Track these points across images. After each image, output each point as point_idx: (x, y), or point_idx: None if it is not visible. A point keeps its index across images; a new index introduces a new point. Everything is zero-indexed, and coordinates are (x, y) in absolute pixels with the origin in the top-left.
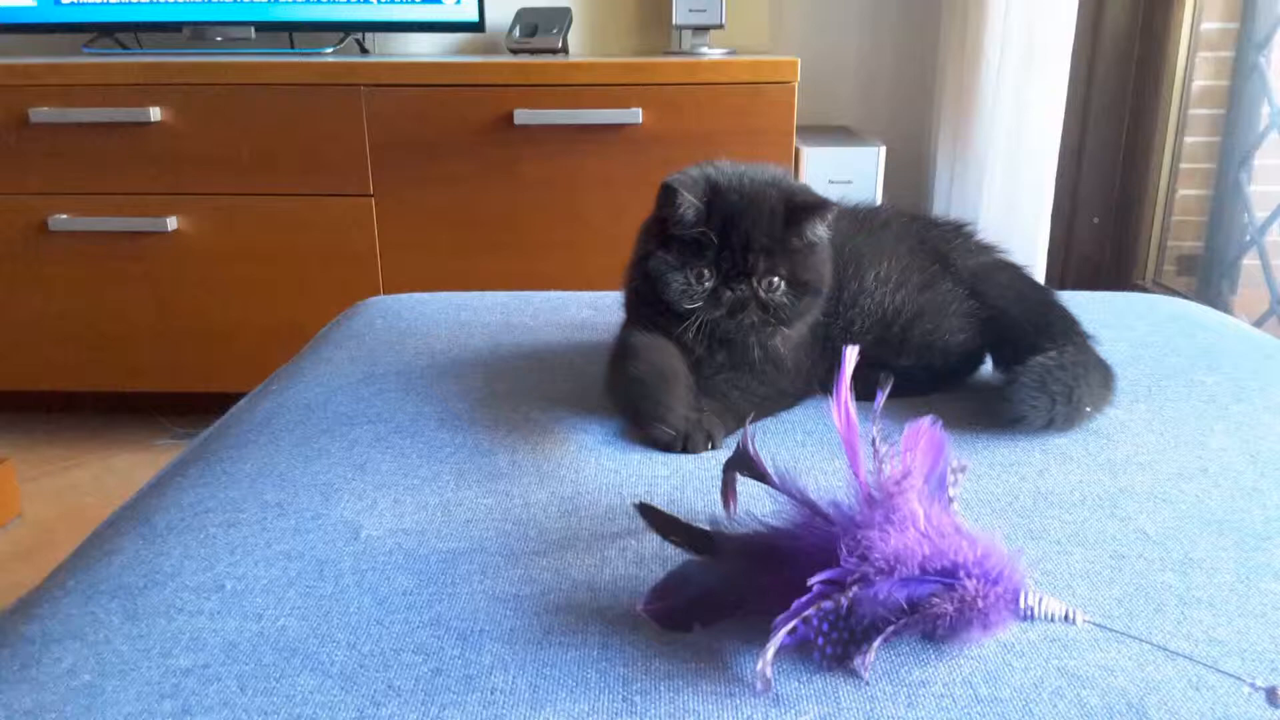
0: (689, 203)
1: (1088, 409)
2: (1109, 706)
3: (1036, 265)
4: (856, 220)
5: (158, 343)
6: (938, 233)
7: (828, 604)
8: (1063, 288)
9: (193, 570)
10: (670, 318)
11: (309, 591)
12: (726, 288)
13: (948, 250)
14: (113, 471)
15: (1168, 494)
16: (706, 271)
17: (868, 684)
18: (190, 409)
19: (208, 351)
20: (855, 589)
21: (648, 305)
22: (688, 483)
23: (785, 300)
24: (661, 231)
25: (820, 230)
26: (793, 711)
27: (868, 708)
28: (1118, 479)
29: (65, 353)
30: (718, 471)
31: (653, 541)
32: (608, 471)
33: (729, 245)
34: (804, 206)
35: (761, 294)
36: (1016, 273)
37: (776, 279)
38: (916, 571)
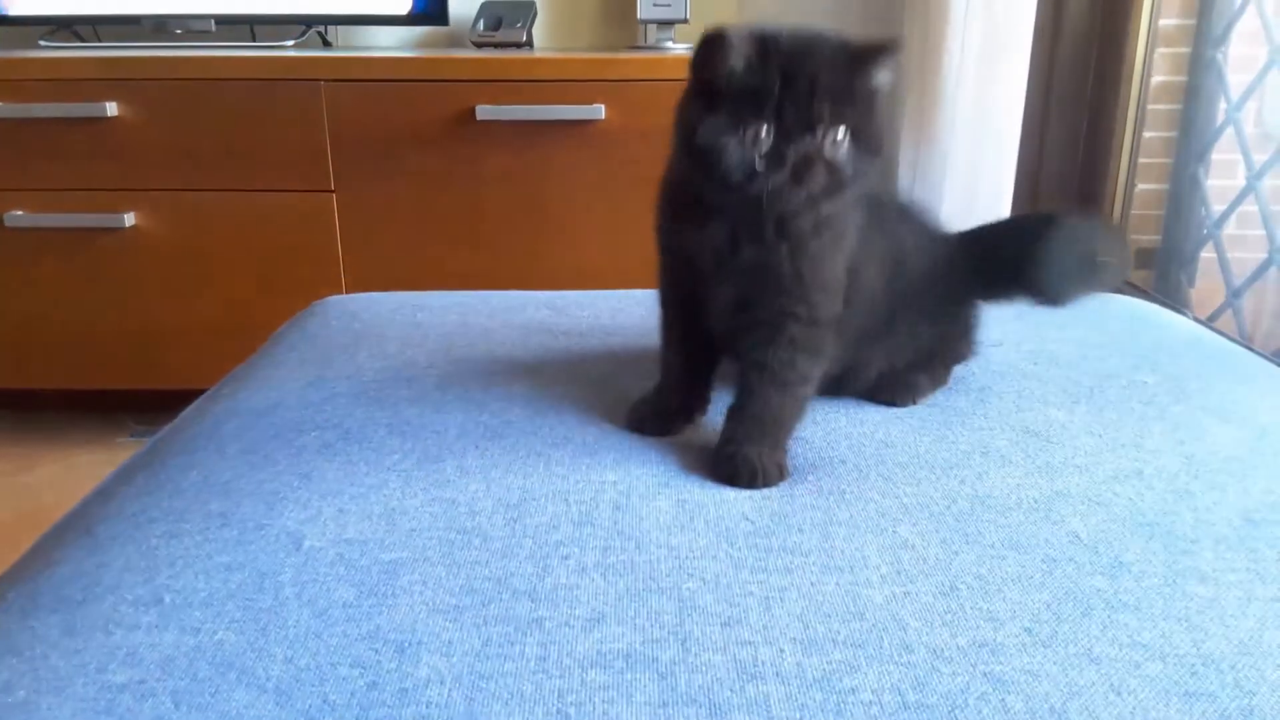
0: (740, 49)
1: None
2: (1032, 711)
3: None
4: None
5: (118, 340)
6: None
7: None
8: None
9: (133, 583)
10: (709, 221)
11: (248, 604)
12: (789, 143)
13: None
14: (73, 471)
15: (1102, 497)
16: (765, 129)
17: (800, 688)
18: (152, 406)
19: (168, 348)
20: None
21: (684, 210)
22: (634, 488)
23: (850, 162)
24: (704, 99)
25: (885, 75)
26: None
27: (798, 715)
28: (1054, 482)
29: (22, 350)
30: (666, 478)
31: (595, 550)
32: (555, 477)
33: (788, 92)
34: (867, 46)
35: (827, 151)
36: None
37: (842, 131)
38: None
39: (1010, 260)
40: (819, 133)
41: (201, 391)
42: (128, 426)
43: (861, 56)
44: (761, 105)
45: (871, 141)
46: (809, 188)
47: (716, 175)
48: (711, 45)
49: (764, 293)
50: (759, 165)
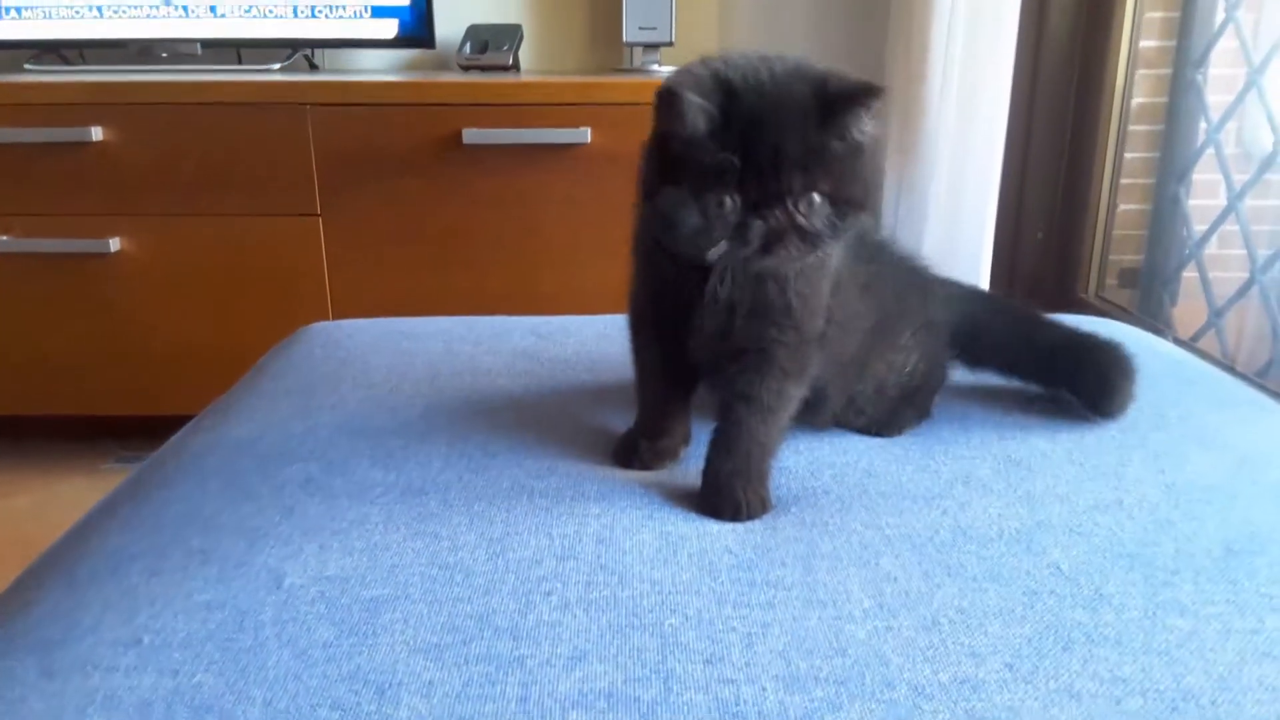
0: (697, 109)
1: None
2: None
3: (981, 279)
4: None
5: (103, 366)
6: (920, 270)
7: None
8: None
9: (112, 623)
10: (686, 275)
11: (227, 645)
12: (756, 216)
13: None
14: (57, 497)
15: (1083, 527)
16: (728, 200)
17: None
18: (137, 432)
19: (154, 374)
20: None
21: (653, 264)
22: (617, 521)
23: (828, 225)
24: (664, 157)
25: (866, 126)
26: None
27: None
28: (1035, 512)
29: (6, 376)
30: (649, 511)
31: (578, 585)
32: (539, 510)
33: (754, 161)
34: (842, 96)
35: (800, 219)
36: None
37: (817, 197)
38: None
39: (1056, 361)
40: (789, 204)
41: (187, 417)
42: (112, 452)
43: (837, 108)
44: (723, 178)
45: (854, 200)
46: (779, 257)
47: (676, 243)
48: (667, 104)
49: (749, 322)
50: (722, 239)
